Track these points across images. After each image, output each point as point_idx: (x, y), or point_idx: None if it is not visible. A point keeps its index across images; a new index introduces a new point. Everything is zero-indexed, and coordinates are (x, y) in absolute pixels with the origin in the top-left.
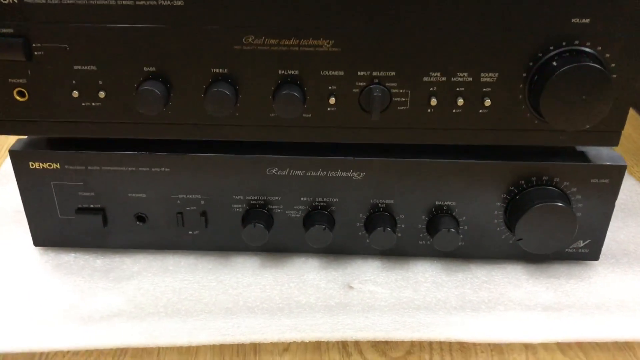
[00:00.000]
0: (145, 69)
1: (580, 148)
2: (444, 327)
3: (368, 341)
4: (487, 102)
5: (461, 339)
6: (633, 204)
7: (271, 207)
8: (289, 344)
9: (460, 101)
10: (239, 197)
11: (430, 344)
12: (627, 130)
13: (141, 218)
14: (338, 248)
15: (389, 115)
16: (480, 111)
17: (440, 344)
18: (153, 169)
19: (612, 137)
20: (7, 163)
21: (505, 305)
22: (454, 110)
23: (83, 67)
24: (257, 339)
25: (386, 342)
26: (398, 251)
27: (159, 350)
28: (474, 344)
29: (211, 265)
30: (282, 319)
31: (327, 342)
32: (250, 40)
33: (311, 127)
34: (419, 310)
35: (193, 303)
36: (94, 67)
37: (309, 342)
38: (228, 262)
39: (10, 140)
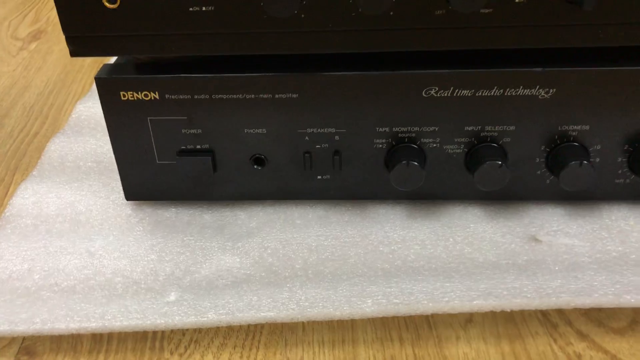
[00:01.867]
0: None
1: None
2: None
3: (576, 309)
4: None
5: None
6: None
7: (424, 140)
8: (473, 314)
9: None
10: (383, 129)
11: None
12: None
13: (259, 161)
14: (509, 192)
15: (603, 6)
16: None
17: None
18: (277, 96)
19: None
20: (80, 110)
21: None
22: None
23: None
24: (441, 309)
25: (600, 310)
26: (587, 193)
27: (304, 325)
28: None
29: (347, 217)
30: (466, 281)
31: (523, 311)
32: None
33: (492, 28)
34: (639, 267)
35: (338, 264)
36: None
37: (499, 311)
38: (367, 213)
39: (80, 76)
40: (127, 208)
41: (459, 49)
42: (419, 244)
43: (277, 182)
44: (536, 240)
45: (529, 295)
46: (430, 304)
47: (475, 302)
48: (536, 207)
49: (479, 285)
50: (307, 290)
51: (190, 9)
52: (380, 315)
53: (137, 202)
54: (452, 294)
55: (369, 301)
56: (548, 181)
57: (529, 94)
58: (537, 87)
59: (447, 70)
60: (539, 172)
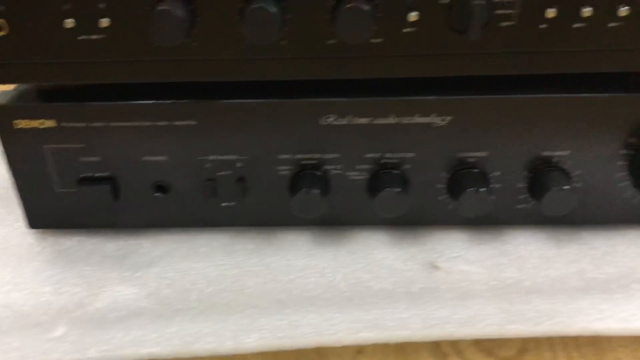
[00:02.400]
0: None
1: None
2: (574, 316)
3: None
4: (623, 11)
5: (601, 332)
6: None
7: (327, 167)
8: (363, 345)
9: (587, 11)
10: (285, 156)
11: (550, 338)
12: None
13: (161, 188)
14: (412, 218)
15: (489, 36)
16: (611, 24)
17: (563, 338)
18: (175, 123)
19: None
20: None
21: None
22: (576, 25)
23: None
24: (326, 342)
25: (491, 339)
26: (490, 219)
27: None
28: (608, 338)
29: (253, 245)
30: (355, 312)
31: (414, 342)
32: None
33: (382, 57)
34: (531, 294)
35: (234, 295)
36: None
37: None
38: (273, 241)
39: None
40: (29, 237)
41: (351, 78)
42: (319, 272)
43: (181, 210)
44: (435, 267)
45: (413, 326)
46: (315, 337)
47: (360, 334)
48: (441, 233)
49: (368, 315)
50: (196, 324)
51: (79, 37)
52: (264, 350)
53: (41, 230)
54: (339, 325)
55: (253, 335)
56: (450, 207)
57: (425, 121)
58: (433, 114)
59: (342, 99)
60: (440, 198)
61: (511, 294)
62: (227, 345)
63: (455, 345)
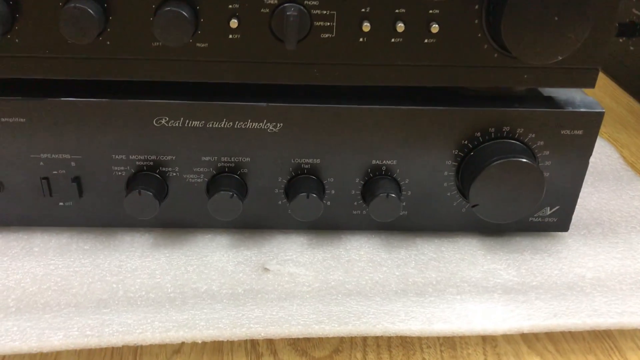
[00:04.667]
0: None
1: (547, 92)
2: (381, 317)
3: (284, 338)
4: (435, 28)
5: (402, 332)
6: (602, 166)
7: (164, 169)
8: (181, 344)
9: (400, 26)
10: (120, 156)
11: (365, 339)
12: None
13: None
14: (252, 221)
15: (310, 46)
16: (426, 41)
17: (377, 339)
18: (4, 119)
19: (588, 76)
20: None
21: (458, 288)
22: (393, 40)
23: None
24: (132, 340)
25: (307, 339)
26: (327, 224)
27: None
28: (419, 338)
29: (88, 245)
30: (171, 312)
31: (232, 341)
32: None
33: (207, 61)
34: (350, 296)
35: (57, 294)
36: None
37: (209, 342)
38: (111, 241)
39: None
40: None
41: (175, 81)
42: (149, 274)
43: (17, 208)
44: (265, 269)
45: (221, 326)
46: (122, 336)
47: (169, 333)
48: (281, 237)
49: (183, 315)
50: (7, 323)
51: None
52: (70, 348)
53: None
54: (150, 325)
55: (60, 334)
56: (289, 211)
57: (258, 127)
58: (265, 121)
59: (175, 101)
60: (279, 202)
61: (332, 295)
62: (31, 343)
63: (272, 345)
